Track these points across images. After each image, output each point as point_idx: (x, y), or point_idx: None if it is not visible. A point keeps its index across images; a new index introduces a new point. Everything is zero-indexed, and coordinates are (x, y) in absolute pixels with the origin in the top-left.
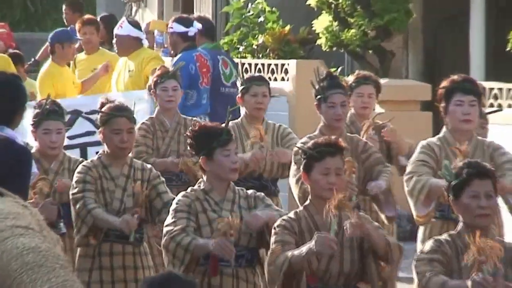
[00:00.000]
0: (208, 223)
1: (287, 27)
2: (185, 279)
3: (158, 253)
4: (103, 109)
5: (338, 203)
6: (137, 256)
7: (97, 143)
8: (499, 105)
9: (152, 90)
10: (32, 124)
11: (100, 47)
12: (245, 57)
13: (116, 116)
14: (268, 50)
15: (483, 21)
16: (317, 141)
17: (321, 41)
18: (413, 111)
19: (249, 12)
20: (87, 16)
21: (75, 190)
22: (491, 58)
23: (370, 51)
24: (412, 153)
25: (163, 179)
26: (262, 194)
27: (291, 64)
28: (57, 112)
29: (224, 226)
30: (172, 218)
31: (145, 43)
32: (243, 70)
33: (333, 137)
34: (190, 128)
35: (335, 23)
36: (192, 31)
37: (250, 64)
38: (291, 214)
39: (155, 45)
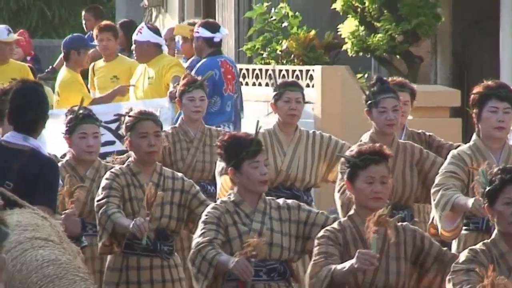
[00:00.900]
0: (238, 236)
1: (312, 32)
2: None
3: None
4: (125, 118)
5: (377, 219)
6: (166, 269)
7: (118, 153)
8: None
9: (177, 99)
10: (66, 130)
11: (120, 54)
12: (269, 63)
13: (141, 120)
14: (292, 55)
15: None
16: (361, 148)
17: (347, 46)
18: (442, 117)
19: (271, 17)
20: (104, 22)
21: (100, 197)
22: None
23: (398, 56)
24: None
25: (198, 187)
26: (296, 202)
27: (316, 70)
28: (91, 116)
29: (248, 245)
30: (201, 230)
31: (165, 49)
32: (267, 76)
33: (377, 144)
34: (220, 137)
35: (362, 28)
36: (218, 36)
37: (273, 71)
38: (335, 225)
39: (176, 52)
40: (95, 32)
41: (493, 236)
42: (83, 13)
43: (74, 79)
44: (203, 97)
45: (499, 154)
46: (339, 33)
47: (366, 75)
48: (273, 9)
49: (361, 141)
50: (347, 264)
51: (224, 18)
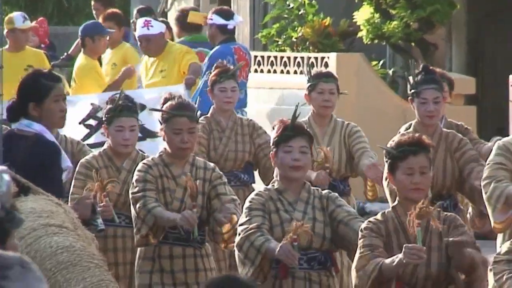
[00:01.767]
0: (280, 223)
1: (327, 20)
2: (245, 281)
3: (223, 257)
4: (164, 107)
5: (419, 212)
6: (198, 258)
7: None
8: None
9: (208, 88)
10: (104, 121)
11: (123, 42)
12: (284, 50)
13: (176, 116)
14: (307, 43)
15: None
16: (400, 140)
17: (362, 33)
18: (457, 105)
19: (289, 6)
20: (108, 10)
21: (135, 190)
22: None
23: (413, 44)
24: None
25: (225, 179)
26: (335, 194)
27: (331, 58)
28: (130, 108)
29: (289, 231)
30: (246, 217)
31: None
32: (282, 63)
33: (417, 134)
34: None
35: (377, 15)
36: (231, 24)
37: (289, 58)
38: (379, 216)
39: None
40: (100, 20)
41: None
42: (92, 2)
43: (90, 66)
44: (234, 87)
45: None
46: (354, 20)
47: (380, 63)
48: None
49: (404, 130)
50: (395, 259)
51: (240, 5)
